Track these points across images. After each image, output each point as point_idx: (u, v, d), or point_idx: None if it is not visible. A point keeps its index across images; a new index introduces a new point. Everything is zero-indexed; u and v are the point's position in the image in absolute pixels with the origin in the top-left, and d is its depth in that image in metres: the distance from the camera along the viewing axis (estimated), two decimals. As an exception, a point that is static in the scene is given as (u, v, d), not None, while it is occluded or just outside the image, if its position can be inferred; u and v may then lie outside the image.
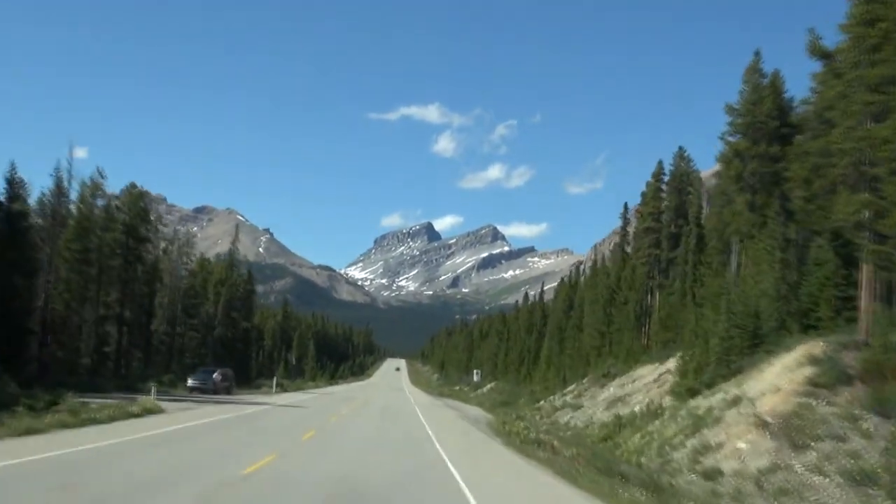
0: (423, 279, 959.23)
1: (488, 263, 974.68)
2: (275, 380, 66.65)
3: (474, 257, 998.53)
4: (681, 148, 55.74)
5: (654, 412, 29.16)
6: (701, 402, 26.53)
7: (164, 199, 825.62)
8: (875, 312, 22.12)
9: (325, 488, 12.87)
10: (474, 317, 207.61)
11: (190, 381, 46.82)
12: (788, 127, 34.15)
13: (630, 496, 14.92)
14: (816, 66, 25.95)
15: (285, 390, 66.98)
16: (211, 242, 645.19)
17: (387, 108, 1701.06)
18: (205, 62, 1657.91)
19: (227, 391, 49.12)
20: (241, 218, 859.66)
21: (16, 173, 37.90)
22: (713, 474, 18.57)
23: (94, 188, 44.87)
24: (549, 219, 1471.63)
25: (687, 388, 28.40)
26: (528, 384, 68.29)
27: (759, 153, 34.22)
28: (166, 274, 58.41)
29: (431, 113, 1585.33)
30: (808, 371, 20.76)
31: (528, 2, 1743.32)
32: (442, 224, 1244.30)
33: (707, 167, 69.55)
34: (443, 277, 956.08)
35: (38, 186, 43.09)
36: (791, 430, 18.36)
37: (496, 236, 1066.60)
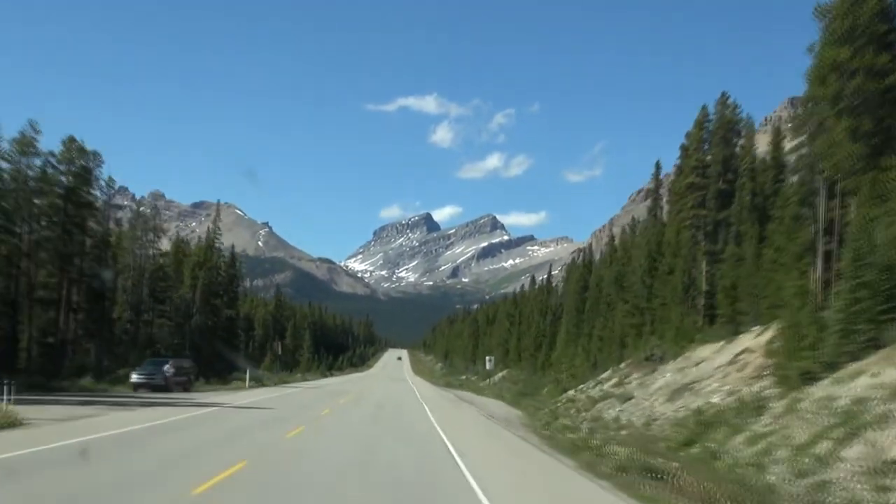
0: (422, 270, 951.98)
1: (488, 253, 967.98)
2: (247, 373, 56.73)
3: (474, 247, 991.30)
4: (724, 94, 47.44)
5: (751, 405, 21.31)
6: (831, 390, 18.68)
7: (163, 195, 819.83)
8: None
9: None
10: (475, 306, 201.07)
11: (134, 377, 37.86)
12: (896, 33, 26.30)
13: None
14: None
15: (263, 384, 57.48)
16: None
17: (385, 99, 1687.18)
18: (200, 57, 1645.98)
19: (185, 387, 40.81)
20: (239, 212, 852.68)
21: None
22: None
23: (22, 144, 36.74)
24: (548, 207, 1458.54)
25: (800, 372, 20.61)
26: (547, 371, 60.47)
27: (865, 65, 26.43)
28: (127, 253, 50.35)
29: (429, 104, 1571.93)
30: None
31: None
32: (441, 215, 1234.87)
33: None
34: (443, 268, 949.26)
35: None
36: None
37: (495, 226, 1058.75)
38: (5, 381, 21.05)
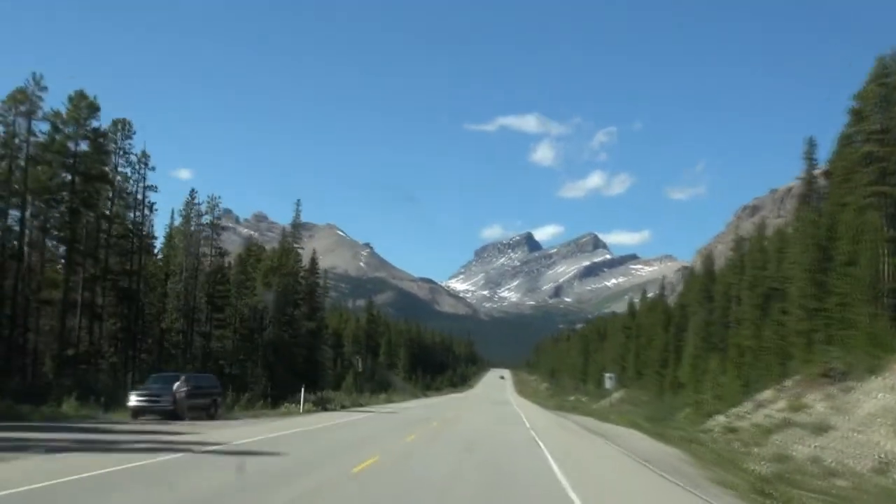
0: (524, 289, 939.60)
1: (590, 272, 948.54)
2: (301, 395, 43.89)
3: (575, 266, 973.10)
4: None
5: None
6: None
7: (266, 216, 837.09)
8: None
9: None
10: (578, 326, 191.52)
11: (132, 400, 28.80)
12: None
13: None
14: None
15: (325, 408, 46.15)
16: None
17: (484, 119, 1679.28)
18: (303, 77, 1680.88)
19: (208, 412, 31.79)
20: (340, 233, 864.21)
21: None
22: None
23: (15, 99, 29.83)
24: (651, 225, 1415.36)
25: None
26: (677, 391, 51.11)
27: None
28: (179, 251, 43.80)
29: (529, 122, 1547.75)
30: None
31: (625, 8, 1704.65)
32: (542, 234, 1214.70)
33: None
34: (544, 287, 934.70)
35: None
36: None
37: (597, 244, 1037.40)
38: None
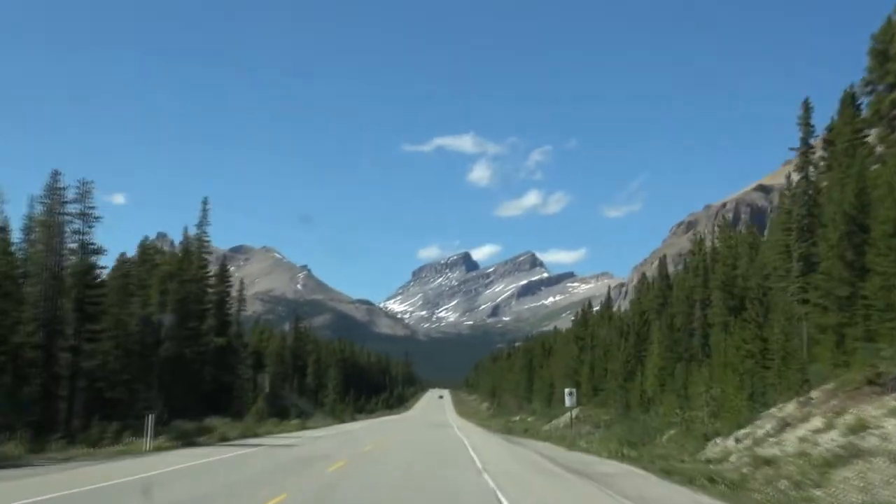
0: (462, 309, 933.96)
1: (528, 291, 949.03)
2: (148, 426, 30.76)
3: (514, 285, 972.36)
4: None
5: None
6: None
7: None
8: None
9: None
10: (517, 344, 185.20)
11: None
12: None
13: None
14: None
15: (191, 443, 34.26)
16: (248, 282, 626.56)
17: (421, 139, 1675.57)
18: (234, 97, 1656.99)
19: None
20: (278, 255, 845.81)
21: None
22: None
23: None
24: (588, 243, 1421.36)
25: None
26: (650, 408, 43.40)
27: None
28: (35, 251, 34.60)
29: (465, 143, 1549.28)
30: None
31: (559, 28, 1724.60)
32: (480, 253, 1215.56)
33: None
34: (483, 307, 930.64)
35: None
36: None
37: (535, 263, 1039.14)
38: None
